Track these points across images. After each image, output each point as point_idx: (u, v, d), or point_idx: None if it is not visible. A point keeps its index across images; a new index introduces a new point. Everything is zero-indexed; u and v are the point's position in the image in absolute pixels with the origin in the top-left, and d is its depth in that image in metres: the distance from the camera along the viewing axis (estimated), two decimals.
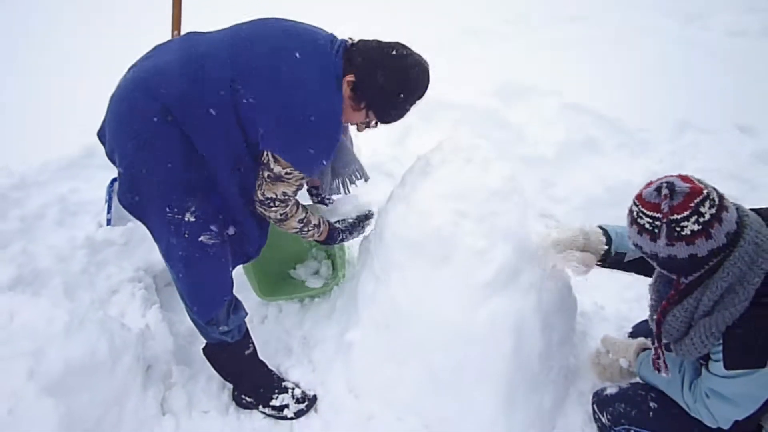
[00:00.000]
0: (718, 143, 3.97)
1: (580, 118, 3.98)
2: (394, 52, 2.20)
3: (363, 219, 2.73)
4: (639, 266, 2.31)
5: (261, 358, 2.66)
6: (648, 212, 1.85)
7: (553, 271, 2.45)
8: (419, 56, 2.26)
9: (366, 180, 2.79)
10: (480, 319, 2.29)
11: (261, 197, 2.29)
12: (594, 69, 4.51)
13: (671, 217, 1.80)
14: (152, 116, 2.14)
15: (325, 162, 2.28)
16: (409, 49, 2.25)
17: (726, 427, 2.03)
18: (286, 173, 2.21)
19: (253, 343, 2.61)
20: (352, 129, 2.54)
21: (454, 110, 3.96)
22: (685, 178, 1.86)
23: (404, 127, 3.82)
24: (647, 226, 1.86)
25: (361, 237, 2.78)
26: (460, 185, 2.35)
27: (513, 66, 4.42)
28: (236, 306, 2.50)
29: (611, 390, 2.37)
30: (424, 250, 2.34)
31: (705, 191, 1.81)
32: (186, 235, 2.26)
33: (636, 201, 1.90)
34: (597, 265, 2.39)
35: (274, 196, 2.28)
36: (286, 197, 2.30)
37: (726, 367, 1.90)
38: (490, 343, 2.30)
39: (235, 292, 2.47)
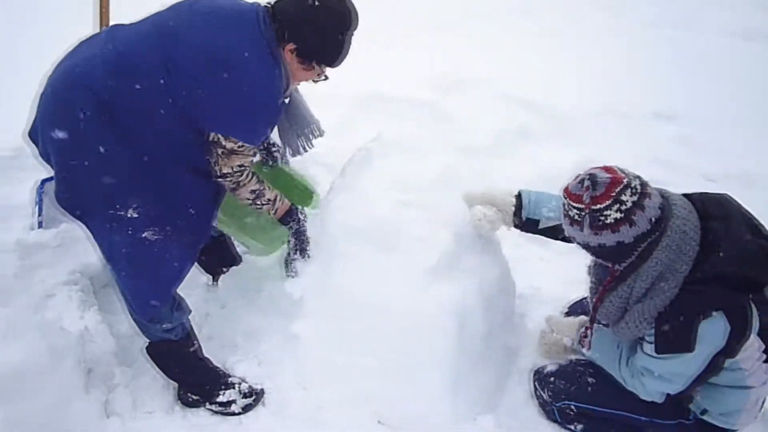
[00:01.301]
0: (640, 128, 4.14)
1: (514, 108, 4.08)
2: (316, 2, 2.19)
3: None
4: (554, 232, 2.38)
5: (206, 354, 2.63)
6: (574, 204, 1.94)
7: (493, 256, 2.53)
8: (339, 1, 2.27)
9: (321, 135, 2.76)
10: (425, 304, 2.35)
11: (218, 173, 2.33)
12: (526, 60, 4.63)
13: (593, 207, 1.89)
14: (84, 112, 2.10)
15: (269, 131, 2.39)
16: None
17: (659, 401, 2.14)
18: (239, 146, 2.26)
19: (197, 340, 2.58)
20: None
21: (392, 102, 4.00)
22: (608, 169, 1.95)
23: (343, 119, 3.85)
24: (575, 217, 1.95)
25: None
26: (402, 175, 2.41)
27: (450, 58, 4.49)
28: (179, 303, 2.48)
29: (551, 367, 2.46)
30: (369, 239, 2.39)
31: (625, 180, 1.90)
32: (129, 232, 2.22)
33: (564, 194, 1.99)
34: (515, 227, 2.48)
35: (231, 171, 2.32)
36: (242, 168, 2.35)
37: (656, 351, 2.01)
38: (436, 327, 2.36)
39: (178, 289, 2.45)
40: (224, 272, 3.10)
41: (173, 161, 2.24)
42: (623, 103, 4.30)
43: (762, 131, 4.16)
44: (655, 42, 5.47)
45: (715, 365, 2.01)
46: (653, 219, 1.91)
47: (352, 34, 2.31)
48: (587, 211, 1.89)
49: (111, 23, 3.08)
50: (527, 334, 2.79)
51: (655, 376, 2.08)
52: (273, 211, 2.54)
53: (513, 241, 3.49)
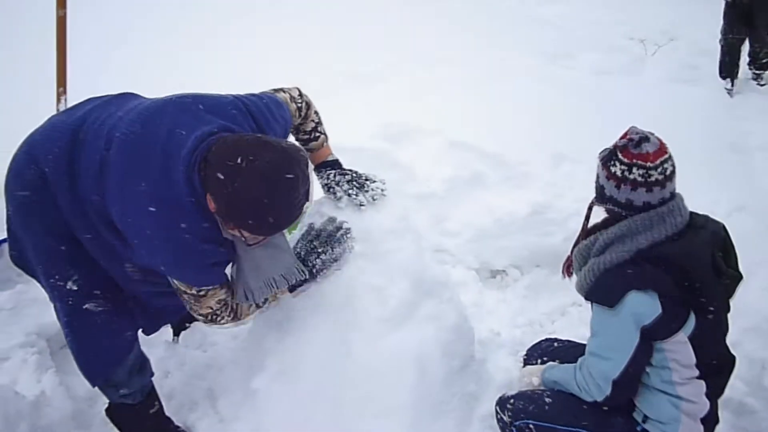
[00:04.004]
0: (592, 173, 4.24)
1: (465, 155, 4.15)
2: (240, 161, 1.78)
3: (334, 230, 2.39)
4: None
5: (167, 414, 2.60)
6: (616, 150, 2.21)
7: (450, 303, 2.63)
8: (277, 156, 1.83)
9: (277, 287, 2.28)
10: (382, 353, 2.38)
11: (199, 317, 2.17)
12: (471, 107, 4.73)
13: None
14: (32, 182, 2.08)
15: (218, 272, 2.10)
16: (263, 150, 1.82)
17: (606, 387, 2.20)
18: (198, 291, 2.06)
19: (159, 400, 2.55)
20: None
21: (345, 153, 4.05)
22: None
23: None
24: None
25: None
26: (355, 226, 2.45)
27: (396, 108, 4.57)
28: (142, 367, 2.43)
29: (511, 393, 2.52)
30: (323, 292, 2.41)
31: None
32: (69, 303, 2.18)
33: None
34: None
35: (210, 311, 2.13)
36: (221, 303, 2.14)
37: (585, 297, 2.20)
38: (394, 375, 2.38)
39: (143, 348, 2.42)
40: (187, 328, 3.09)
41: (109, 258, 2.17)
42: (575, 148, 4.41)
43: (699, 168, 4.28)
44: (603, 87, 5.67)
45: (645, 348, 2.12)
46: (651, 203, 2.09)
47: (290, 212, 1.90)
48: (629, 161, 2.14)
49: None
50: (488, 380, 2.81)
51: (596, 357, 2.22)
52: (278, 295, 2.35)
53: (472, 287, 3.56)
